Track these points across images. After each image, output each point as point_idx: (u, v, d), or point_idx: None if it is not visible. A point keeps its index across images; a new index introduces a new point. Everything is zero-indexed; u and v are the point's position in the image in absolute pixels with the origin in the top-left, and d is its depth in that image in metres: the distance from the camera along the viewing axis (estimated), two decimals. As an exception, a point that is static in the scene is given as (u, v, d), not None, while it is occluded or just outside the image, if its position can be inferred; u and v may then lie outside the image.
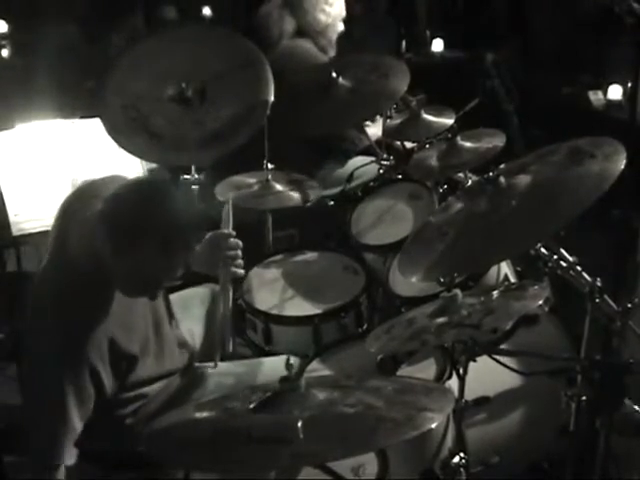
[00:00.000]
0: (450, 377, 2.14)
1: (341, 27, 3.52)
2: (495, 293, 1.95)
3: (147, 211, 1.90)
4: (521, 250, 2.19)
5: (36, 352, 1.96)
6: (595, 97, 4.68)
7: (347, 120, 3.06)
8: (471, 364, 1.98)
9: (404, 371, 2.22)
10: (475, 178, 2.57)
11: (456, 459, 2.03)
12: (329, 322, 2.53)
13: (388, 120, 3.13)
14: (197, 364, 2.35)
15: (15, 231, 2.76)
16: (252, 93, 2.54)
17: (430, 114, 2.95)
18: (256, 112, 2.52)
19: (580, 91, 4.83)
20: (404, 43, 4.62)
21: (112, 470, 2.14)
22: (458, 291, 1.89)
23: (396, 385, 1.71)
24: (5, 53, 5.45)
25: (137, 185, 1.98)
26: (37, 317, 1.99)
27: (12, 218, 2.76)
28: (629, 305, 2.04)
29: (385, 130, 3.15)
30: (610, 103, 4.64)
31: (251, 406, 1.57)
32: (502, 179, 2.06)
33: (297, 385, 1.56)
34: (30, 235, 2.74)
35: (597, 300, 2.08)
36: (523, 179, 2.06)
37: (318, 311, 2.58)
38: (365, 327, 2.58)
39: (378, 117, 3.29)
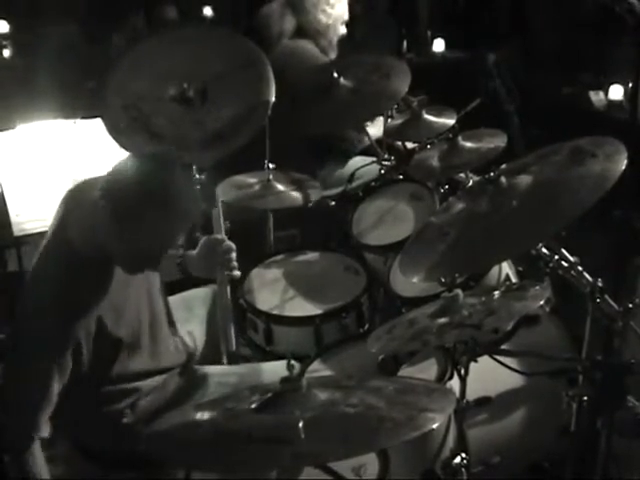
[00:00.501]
0: (451, 377, 2.14)
1: (342, 30, 3.52)
2: (496, 293, 1.96)
3: (148, 179, 1.91)
4: (522, 250, 2.19)
5: (25, 324, 1.98)
6: (596, 97, 4.67)
7: (348, 120, 3.06)
8: (472, 364, 1.98)
9: (405, 371, 2.22)
10: (476, 178, 2.57)
11: (457, 459, 2.03)
12: (330, 322, 2.53)
13: (389, 120, 3.14)
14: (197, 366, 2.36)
15: (16, 231, 2.77)
16: (253, 93, 2.54)
17: (431, 114, 2.95)
18: (257, 112, 2.52)
19: (581, 91, 4.82)
20: (405, 43, 4.63)
21: (112, 470, 2.14)
22: (459, 291, 1.89)
23: (397, 385, 1.71)
24: (6, 53, 5.45)
25: (137, 157, 1.99)
26: (31, 294, 2.02)
27: (13, 218, 2.77)
28: (630, 305, 2.03)
29: (386, 130, 3.15)
30: (611, 103, 4.63)
31: (252, 406, 1.57)
32: (503, 179, 2.06)
33: (298, 385, 1.56)
34: (31, 235, 2.75)
35: (598, 300, 2.08)
36: (524, 179, 2.06)
37: (319, 311, 2.58)
38: (366, 327, 2.58)
39: (379, 117, 3.29)
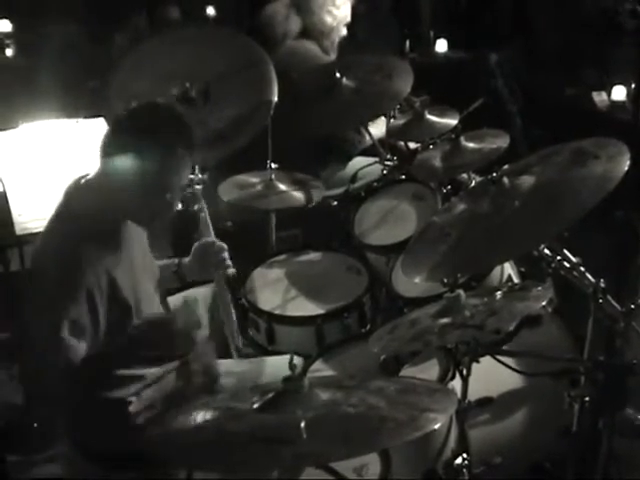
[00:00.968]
0: (453, 378, 2.14)
1: (344, 31, 3.52)
2: (498, 294, 1.95)
3: (152, 119, 2.01)
4: (524, 251, 2.19)
5: (37, 279, 2.02)
6: (599, 98, 4.67)
7: (351, 120, 3.06)
8: (474, 365, 1.98)
9: (407, 372, 2.22)
10: (478, 179, 2.57)
11: (459, 460, 2.03)
12: (332, 322, 2.53)
13: (392, 120, 3.14)
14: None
15: (19, 230, 2.77)
16: (256, 93, 2.55)
17: (433, 114, 2.96)
18: (260, 112, 2.52)
19: (584, 92, 4.81)
20: (407, 43, 4.62)
21: (113, 470, 2.14)
22: (461, 292, 1.89)
23: (399, 386, 1.70)
24: (9, 53, 5.45)
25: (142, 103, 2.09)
26: (38, 261, 2.07)
27: (16, 217, 2.77)
28: (632, 306, 2.03)
29: (389, 130, 3.15)
30: (614, 104, 4.62)
31: (254, 406, 1.57)
32: (505, 180, 2.06)
33: (300, 385, 1.56)
34: (34, 234, 2.74)
35: (600, 301, 2.07)
36: (526, 180, 2.06)
37: (321, 311, 2.58)
38: (368, 327, 2.58)
39: (382, 117, 3.29)
